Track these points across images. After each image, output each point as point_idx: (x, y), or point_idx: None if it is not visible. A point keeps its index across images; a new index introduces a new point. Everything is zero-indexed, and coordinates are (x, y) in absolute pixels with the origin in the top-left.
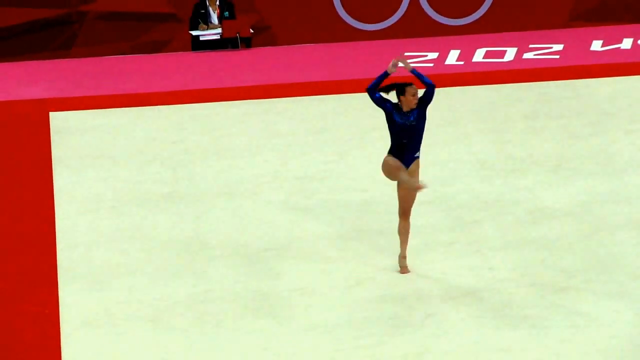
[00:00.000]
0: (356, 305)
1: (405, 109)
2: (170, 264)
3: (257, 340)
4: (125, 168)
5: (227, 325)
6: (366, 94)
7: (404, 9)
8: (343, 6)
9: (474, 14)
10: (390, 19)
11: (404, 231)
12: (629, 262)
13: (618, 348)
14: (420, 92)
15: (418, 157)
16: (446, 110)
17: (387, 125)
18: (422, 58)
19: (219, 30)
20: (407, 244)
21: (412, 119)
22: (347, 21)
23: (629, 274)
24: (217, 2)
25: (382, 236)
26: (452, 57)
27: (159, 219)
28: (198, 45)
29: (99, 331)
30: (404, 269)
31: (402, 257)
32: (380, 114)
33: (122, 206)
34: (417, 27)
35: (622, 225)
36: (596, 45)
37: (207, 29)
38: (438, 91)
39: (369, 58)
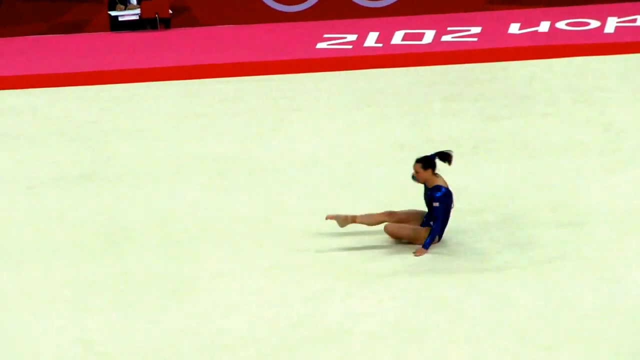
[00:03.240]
0: (274, 286)
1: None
2: (89, 244)
3: (175, 322)
4: (43, 148)
5: (145, 307)
6: (289, 76)
7: None
8: None
9: None
10: (310, 0)
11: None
12: (546, 243)
13: (535, 329)
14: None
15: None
16: (365, 92)
17: None
18: (341, 40)
19: (138, 10)
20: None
21: (428, 196)
22: (267, 2)
23: (546, 256)
24: None
25: (300, 217)
26: (371, 39)
27: (78, 200)
28: (117, 25)
29: (15, 312)
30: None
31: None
32: (298, 97)
33: (40, 186)
34: (336, 9)
35: (539, 207)
36: (514, 28)
37: (125, 10)
38: (357, 73)
39: (288, 39)
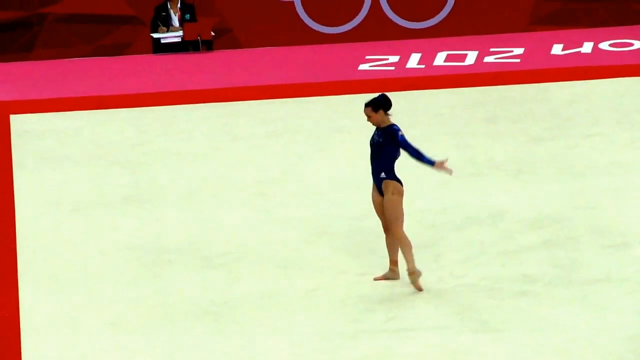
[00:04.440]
0: (316, 308)
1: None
2: (130, 267)
3: (216, 344)
4: (86, 171)
5: (186, 329)
6: (331, 98)
7: (365, 12)
8: (304, 9)
9: (435, 17)
10: (352, 22)
11: (389, 242)
12: (589, 265)
13: (577, 352)
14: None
15: (385, 178)
16: (407, 113)
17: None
18: (384, 61)
19: (180, 32)
20: (398, 255)
21: (378, 138)
22: (309, 24)
23: (588, 278)
24: (178, 5)
25: (342, 239)
26: (413, 61)
27: (119, 222)
28: (159, 47)
29: (58, 334)
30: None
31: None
32: (340, 118)
33: (83, 209)
34: (379, 30)
35: (583, 228)
36: (557, 49)
37: (167, 32)
38: (399, 94)
39: (330, 61)
